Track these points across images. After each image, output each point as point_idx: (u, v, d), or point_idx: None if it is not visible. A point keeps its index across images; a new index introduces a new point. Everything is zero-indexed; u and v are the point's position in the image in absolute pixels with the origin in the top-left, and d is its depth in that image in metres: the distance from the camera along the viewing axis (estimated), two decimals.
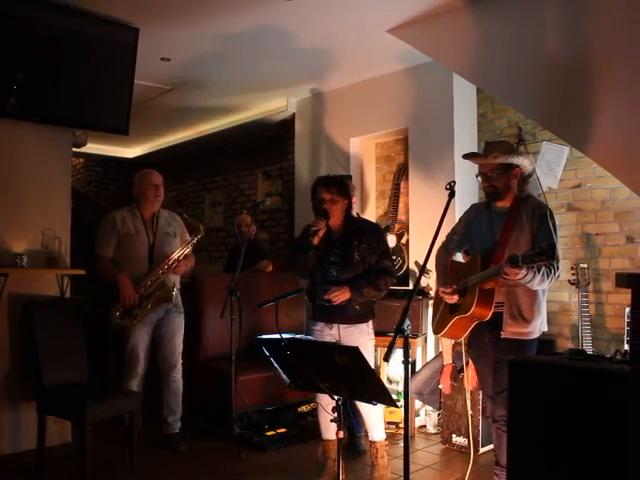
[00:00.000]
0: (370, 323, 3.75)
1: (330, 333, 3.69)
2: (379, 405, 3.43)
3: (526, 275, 2.97)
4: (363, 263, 3.66)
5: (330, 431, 3.67)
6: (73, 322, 4.21)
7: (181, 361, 4.46)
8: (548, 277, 3.05)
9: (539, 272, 3.00)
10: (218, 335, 4.79)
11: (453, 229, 3.57)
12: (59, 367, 3.95)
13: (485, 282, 3.13)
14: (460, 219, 3.56)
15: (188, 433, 4.48)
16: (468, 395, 4.00)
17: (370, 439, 3.77)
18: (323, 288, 3.65)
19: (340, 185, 3.76)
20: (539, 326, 3.26)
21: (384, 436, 3.77)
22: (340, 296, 3.56)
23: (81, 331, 4.23)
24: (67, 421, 4.16)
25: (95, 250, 4.34)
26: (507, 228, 3.22)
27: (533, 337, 3.24)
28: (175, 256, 4.32)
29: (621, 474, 2.01)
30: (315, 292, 3.72)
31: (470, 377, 4.10)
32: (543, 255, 2.78)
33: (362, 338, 3.64)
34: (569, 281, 4.29)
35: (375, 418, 3.73)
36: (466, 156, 3.41)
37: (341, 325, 3.67)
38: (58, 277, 4.34)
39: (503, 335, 3.20)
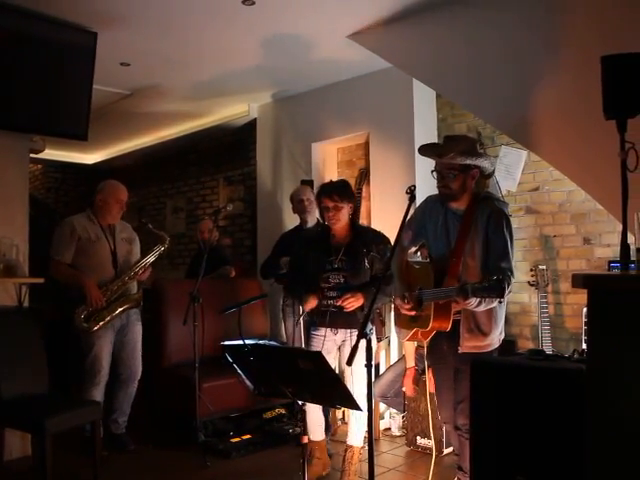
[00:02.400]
0: (373, 328, 3.79)
1: (334, 339, 3.72)
2: (365, 410, 3.43)
3: (473, 303, 2.82)
4: (370, 270, 3.67)
5: (315, 433, 3.78)
6: (32, 332, 4.12)
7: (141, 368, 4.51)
8: (496, 301, 2.87)
9: (484, 300, 2.84)
10: (181, 342, 4.74)
11: (408, 223, 3.20)
12: (17, 378, 3.86)
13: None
14: (415, 212, 3.31)
15: (151, 441, 4.45)
16: (429, 398, 4.02)
17: (348, 443, 3.80)
18: (327, 294, 3.66)
19: (342, 190, 3.73)
20: (497, 337, 3.13)
21: (362, 443, 3.80)
22: (354, 303, 3.57)
23: (40, 341, 4.14)
24: (27, 433, 4.07)
25: (51, 255, 4.29)
26: (462, 234, 3.05)
27: (491, 349, 3.11)
28: (143, 263, 4.42)
29: (580, 472, 2.05)
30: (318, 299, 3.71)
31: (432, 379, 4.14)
32: (492, 292, 2.66)
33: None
34: (529, 282, 4.36)
35: (359, 423, 3.76)
36: (422, 151, 3.19)
37: (347, 330, 3.69)
38: (16, 286, 4.25)
39: (461, 350, 3.06)
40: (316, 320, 3.76)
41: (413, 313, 3.07)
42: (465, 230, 3.04)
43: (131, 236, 4.61)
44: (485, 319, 3.04)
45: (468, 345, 3.05)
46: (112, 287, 4.27)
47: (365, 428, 3.79)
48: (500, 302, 2.92)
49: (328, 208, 3.68)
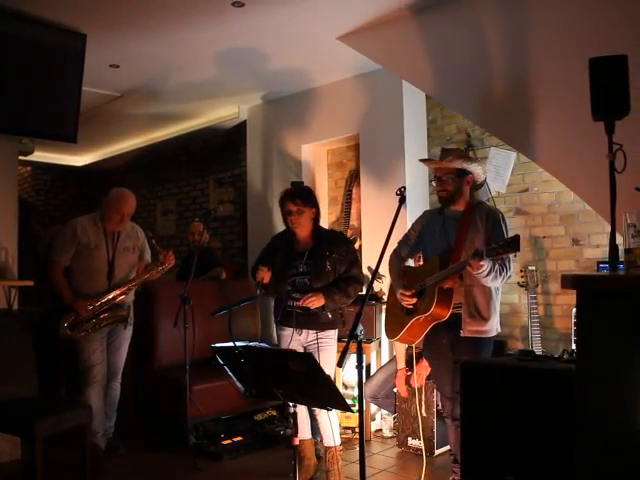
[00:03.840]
0: (337, 330, 3.85)
1: (298, 339, 3.79)
2: (334, 410, 3.47)
3: (485, 268, 3.04)
4: (333, 272, 3.75)
5: (301, 431, 3.71)
6: (21, 335, 4.10)
7: (122, 370, 4.45)
8: (500, 275, 3.15)
9: (494, 269, 3.10)
10: (172, 344, 4.74)
11: (406, 235, 3.63)
12: (6, 381, 3.83)
13: (445, 281, 3.20)
14: (413, 226, 3.63)
15: (142, 444, 4.43)
16: (417, 397, 4.05)
17: (326, 445, 3.80)
18: (293, 296, 3.75)
19: (304, 194, 3.84)
20: (496, 325, 3.36)
21: (339, 441, 3.81)
22: (315, 302, 3.65)
23: (30, 344, 4.11)
24: (16, 437, 4.04)
25: (50, 255, 4.24)
26: (462, 231, 3.31)
27: (490, 335, 3.34)
28: (134, 282, 4.34)
29: (570, 472, 2.06)
30: (282, 300, 3.82)
31: (420, 375, 4.19)
32: (508, 247, 2.88)
33: (330, 344, 3.77)
34: (518, 283, 4.37)
35: (331, 424, 3.76)
36: (423, 160, 3.53)
37: (310, 331, 3.77)
38: (5, 289, 4.24)
39: (463, 334, 3.28)
40: (282, 320, 3.84)
41: (414, 301, 3.31)
42: (464, 228, 3.31)
43: (137, 244, 4.45)
44: (484, 305, 3.29)
45: (470, 329, 3.28)
46: (101, 299, 4.17)
47: (337, 425, 3.85)
48: (508, 275, 3.20)
49: (291, 212, 3.76)
